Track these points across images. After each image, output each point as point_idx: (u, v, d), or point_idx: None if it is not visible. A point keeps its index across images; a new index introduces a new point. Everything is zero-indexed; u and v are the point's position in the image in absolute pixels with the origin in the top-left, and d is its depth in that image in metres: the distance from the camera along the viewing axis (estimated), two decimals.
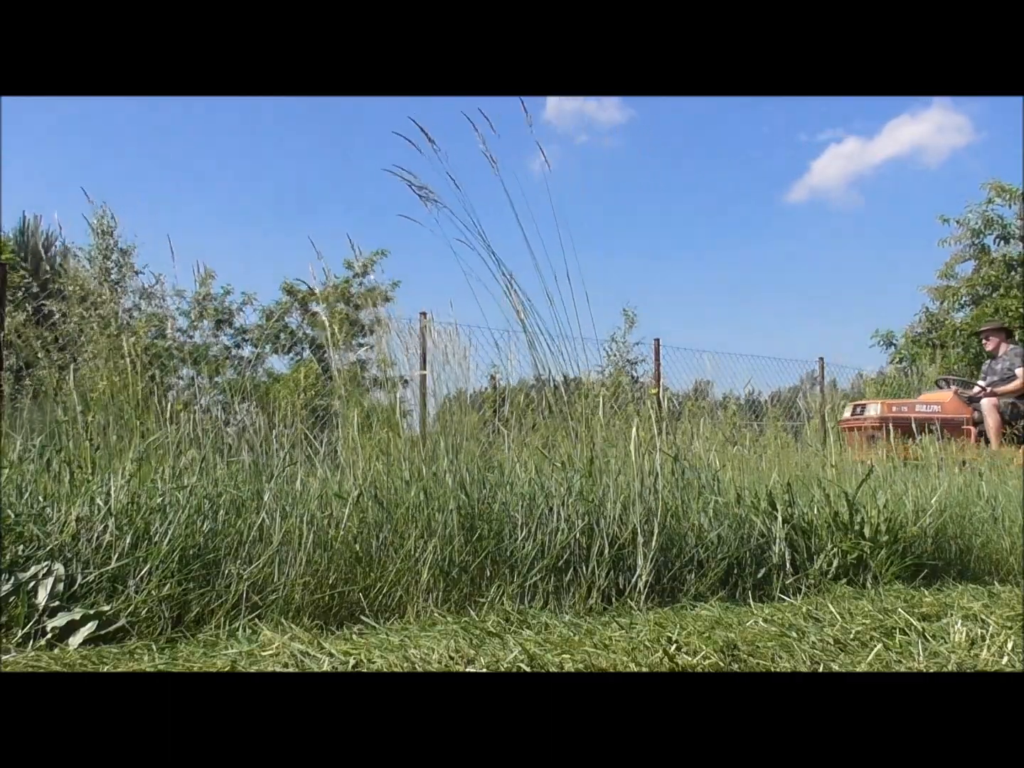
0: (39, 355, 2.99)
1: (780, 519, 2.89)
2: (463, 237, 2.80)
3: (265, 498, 2.36)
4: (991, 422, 6.36)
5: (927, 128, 26.13)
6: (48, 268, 9.96)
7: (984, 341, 7.17)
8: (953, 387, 6.94)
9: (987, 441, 6.26)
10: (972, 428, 6.39)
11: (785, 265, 24.35)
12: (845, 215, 25.77)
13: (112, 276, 9.30)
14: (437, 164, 2.76)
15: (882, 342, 12.80)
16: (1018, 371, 6.72)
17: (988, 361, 7.16)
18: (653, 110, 27.22)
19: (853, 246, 25.03)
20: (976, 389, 6.84)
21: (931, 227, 13.18)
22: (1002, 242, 12.59)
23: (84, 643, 1.85)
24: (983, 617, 2.17)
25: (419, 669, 1.68)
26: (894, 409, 6.17)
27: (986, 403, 6.50)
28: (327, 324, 3.06)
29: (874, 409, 6.22)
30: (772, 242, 24.73)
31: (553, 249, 2.94)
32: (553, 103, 22.28)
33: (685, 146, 25.34)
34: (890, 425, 4.67)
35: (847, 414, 6.44)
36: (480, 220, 2.84)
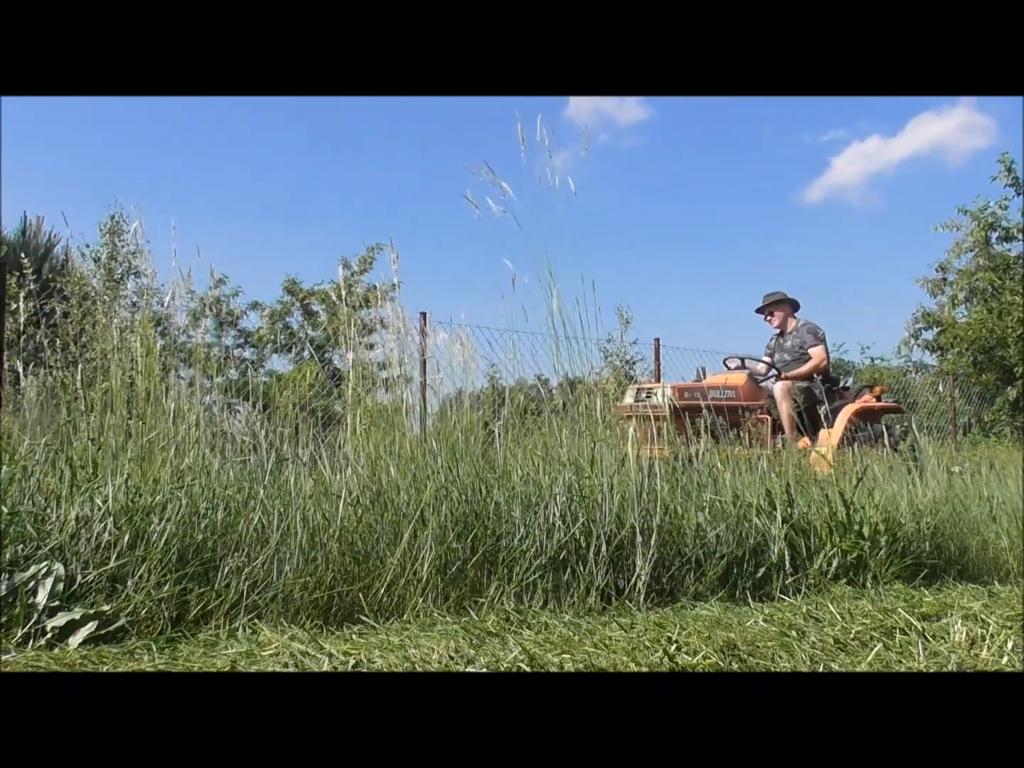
0: (45, 355, 2.99)
1: (779, 518, 2.89)
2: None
3: (262, 496, 2.36)
4: (784, 409, 5.53)
5: (950, 127, 25.95)
6: (50, 268, 9.99)
7: (767, 317, 6.12)
8: (746, 369, 5.95)
9: (781, 430, 5.49)
10: (769, 416, 5.53)
11: (795, 265, 24.30)
12: (862, 214, 25.61)
13: (116, 276, 9.32)
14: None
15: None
16: (812, 350, 5.85)
17: (774, 338, 6.17)
18: (673, 109, 27.18)
19: (866, 246, 24.93)
20: (762, 367, 5.98)
21: (942, 232, 13.27)
22: (1003, 241, 12.68)
23: (84, 643, 1.85)
24: (983, 617, 2.17)
25: (419, 669, 1.68)
26: (686, 395, 5.11)
27: (778, 387, 5.63)
28: (347, 317, 3.07)
29: (662, 394, 5.08)
30: (786, 242, 24.64)
31: (565, 248, 2.96)
32: (574, 100, 22.16)
33: (703, 144, 25.31)
34: (681, 413, 4.02)
35: (628, 400, 5.20)
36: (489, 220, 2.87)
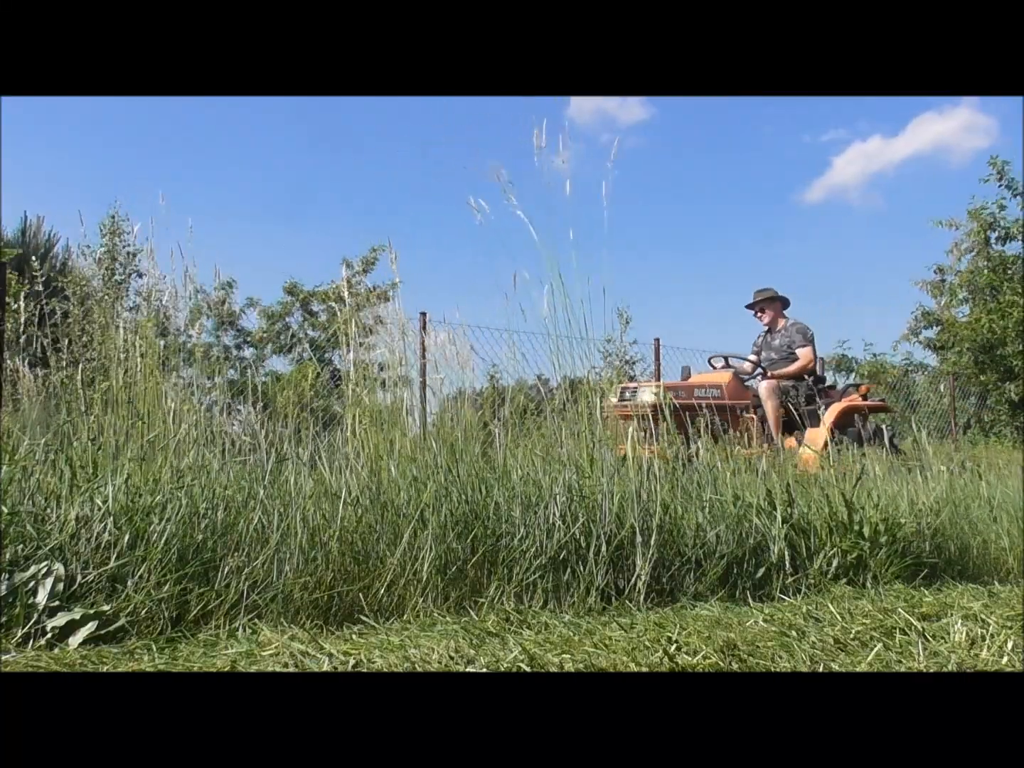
0: (45, 354, 2.99)
1: (779, 518, 2.89)
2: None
3: (262, 496, 2.36)
4: (770, 408, 5.48)
5: (952, 127, 25.94)
6: (50, 267, 10.00)
7: (758, 314, 6.07)
8: (731, 368, 5.89)
9: (767, 429, 5.46)
10: (755, 415, 5.48)
11: (795, 265, 24.31)
12: (862, 214, 25.60)
13: (116, 277, 9.33)
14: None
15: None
16: (800, 351, 5.80)
17: (762, 336, 6.13)
18: (673, 108, 27.17)
19: (866, 246, 24.93)
20: (747, 366, 5.97)
21: (940, 229, 13.31)
22: (1002, 242, 12.72)
23: (84, 643, 1.85)
24: (983, 617, 2.17)
25: (419, 669, 1.68)
26: (671, 394, 4.82)
27: (764, 386, 5.58)
28: (348, 318, 3.07)
29: (648, 393, 4.91)
30: (786, 242, 24.63)
31: (567, 249, 2.97)
32: (576, 100, 22.11)
33: (703, 144, 25.32)
34: (666, 411, 3.75)
35: (614, 399, 4.94)
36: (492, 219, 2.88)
